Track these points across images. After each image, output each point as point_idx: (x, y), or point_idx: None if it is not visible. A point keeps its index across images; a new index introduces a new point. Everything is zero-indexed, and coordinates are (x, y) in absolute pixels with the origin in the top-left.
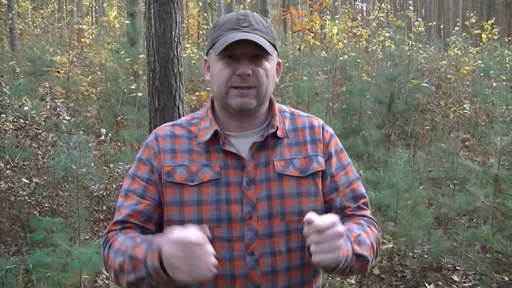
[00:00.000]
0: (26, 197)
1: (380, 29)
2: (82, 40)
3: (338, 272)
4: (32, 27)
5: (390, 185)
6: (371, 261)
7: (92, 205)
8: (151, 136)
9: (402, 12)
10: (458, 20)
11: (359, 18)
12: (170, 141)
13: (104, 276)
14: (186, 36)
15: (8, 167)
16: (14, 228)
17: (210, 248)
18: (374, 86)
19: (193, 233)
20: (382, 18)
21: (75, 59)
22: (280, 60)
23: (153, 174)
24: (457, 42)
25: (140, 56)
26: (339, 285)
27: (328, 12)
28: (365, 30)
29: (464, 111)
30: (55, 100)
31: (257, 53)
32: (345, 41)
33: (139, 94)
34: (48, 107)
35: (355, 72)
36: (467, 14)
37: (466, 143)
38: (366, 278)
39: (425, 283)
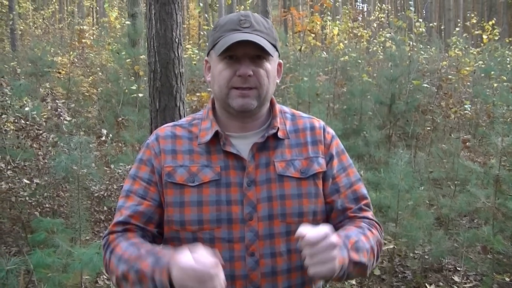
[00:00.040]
0: (27, 198)
1: (381, 29)
2: (83, 41)
3: (335, 279)
4: (33, 27)
5: (391, 186)
6: (371, 265)
7: (93, 206)
8: (152, 137)
9: (403, 12)
10: (459, 20)
11: (360, 18)
12: (171, 142)
13: (105, 277)
14: (187, 37)
15: (9, 167)
16: (15, 229)
17: (222, 274)
18: (375, 87)
19: (205, 260)
20: (383, 18)
21: (76, 60)
22: (281, 61)
23: (153, 174)
24: (458, 42)
25: (141, 57)
26: (340, 286)
27: (329, 13)
28: (366, 31)
29: (465, 111)
30: (56, 101)
31: (258, 54)
32: (346, 41)
33: (140, 94)
34: (49, 107)
35: (356, 72)
36: (468, 14)
37: (467, 143)
38: (367, 279)
39: (426, 284)
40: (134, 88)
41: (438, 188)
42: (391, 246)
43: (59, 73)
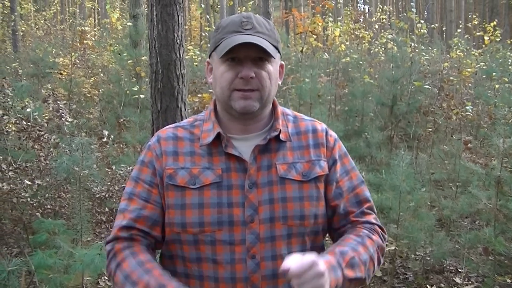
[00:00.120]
0: (29, 199)
1: (383, 31)
2: (85, 42)
3: None
4: (35, 29)
5: (392, 187)
6: (371, 274)
7: (95, 207)
8: (154, 139)
9: (405, 14)
10: (460, 22)
11: (362, 20)
12: (172, 143)
13: (106, 278)
14: (189, 38)
15: (10, 168)
16: (16, 230)
17: None
18: (377, 88)
19: None
20: (384, 20)
21: (78, 61)
22: (282, 62)
23: (155, 177)
24: (459, 44)
25: (143, 58)
26: None
27: (330, 14)
28: (367, 32)
29: (467, 113)
30: (58, 102)
31: (260, 56)
32: (347, 43)
33: (142, 96)
34: (51, 109)
35: (358, 74)
36: (470, 16)
37: (469, 145)
38: (373, 274)
39: (427, 285)
40: (136, 89)
41: (440, 190)
42: (393, 248)
43: (61, 74)
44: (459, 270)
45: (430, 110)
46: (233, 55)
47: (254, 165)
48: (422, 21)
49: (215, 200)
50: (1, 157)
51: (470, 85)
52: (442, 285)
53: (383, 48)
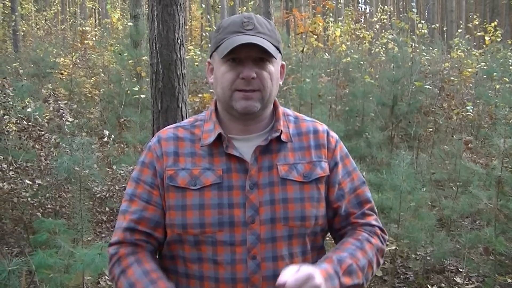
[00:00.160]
0: (29, 199)
1: (383, 31)
2: (85, 42)
3: None
4: (35, 29)
5: (393, 187)
6: (369, 277)
7: (95, 207)
8: (154, 139)
9: (405, 14)
10: (461, 22)
11: (362, 20)
12: (173, 144)
13: (106, 278)
14: (189, 38)
15: (11, 168)
16: (17, 230)
17: None
18: (377, 88)
19: None
20: (385, 20)
21: (78, 61)
22: (283, 62)
23: (156, 178)
24: (460, 44)
25: (143, 58)
26: None
27: (331, 14)
28: (368, 32)
29: (467, 113)
30: (58, 102)
31: (261, 56)
32: (348, 43)
33: (142, 96)
34: (51, 108)
35: (358, 74)
36: (470, 16)
37: (469, 145)
38: (371, 276)
39: (428, 285)
40: (136, 89)
41: (440, 190)
42: (393, 247)
43: (61, 74)
44: (459, 270)
45: (431, 110)
46: (235, 55)
47: (255, 166)
48: (423, 21)
49: (216, 201)
50: (2, 157)
51: (470, 85)
52: (443, 285)
53: (383, 48)
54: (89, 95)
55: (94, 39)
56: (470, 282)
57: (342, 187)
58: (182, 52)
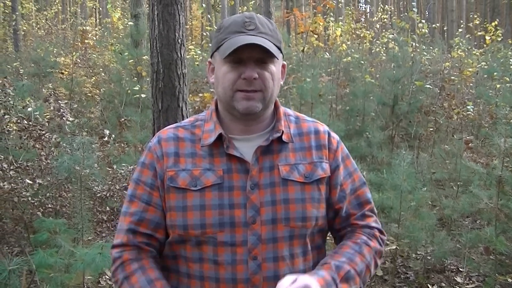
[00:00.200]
0: (30, 198)
1: (384, 30)
2: (86, 41)
3: None
4: (36, 28)
5: (394, 187)
6: (366, 280)
7: (96, 206)
8: (154, 139)
9: (406, 14)
10: (461, 21)
11: (363, 19)
12: (173, 144)
13: (107, 277)
14: (190, 38)
15: (11, 168)
16: (17, 229)
17: None
18: (378, 88)
19: None
20: (385, 19)
21: (79, 61)
22: (284, 62)
23: (156, 179)
24: (460, 43)
25: (144, 57)
26: None
27: (331, 14)
28: (368, 32)
29: (468, 112)
30: (59, 101)
31: (263, 57)
32: (348, 42)
33: (143, 95)
34: (52, 108)
35: (359, 73)
36: (471, 15)
37: (470, 144)
38: (369, 279)
39: (428, 285)
40: (137, 88)
41: (441, 189)
42: (394, 247)
43: (62, 73)
44: (460, 269)
45: (431, 110)
46: (237, 56)
47: (256, 166)
48: (423, 21)
49: (216, 202)
50: (2, 156)
51: (471, 84)
52: (443, 284)
53: (384, 48)
54: (90, 94)
55: (94, 38)
56: (471, 281)
57: (344, 189)
58: (183, 51)
